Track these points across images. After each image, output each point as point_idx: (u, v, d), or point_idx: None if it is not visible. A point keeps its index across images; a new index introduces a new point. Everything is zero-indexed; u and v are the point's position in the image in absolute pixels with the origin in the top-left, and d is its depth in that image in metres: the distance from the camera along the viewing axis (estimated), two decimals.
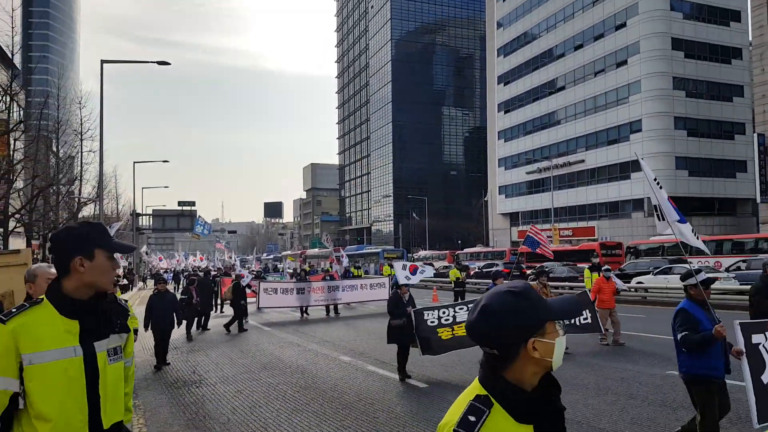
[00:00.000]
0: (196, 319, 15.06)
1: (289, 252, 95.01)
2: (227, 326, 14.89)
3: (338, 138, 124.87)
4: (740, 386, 6.72)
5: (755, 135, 38.56)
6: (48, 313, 1.91)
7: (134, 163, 42.61)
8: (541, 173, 58.11)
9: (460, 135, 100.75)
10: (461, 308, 8.72)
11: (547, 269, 13.11)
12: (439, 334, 8.34)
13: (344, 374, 9.13)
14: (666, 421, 6.07)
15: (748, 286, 17.78)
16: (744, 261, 23.45)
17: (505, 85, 65.94)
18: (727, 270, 23.54)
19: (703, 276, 4.60)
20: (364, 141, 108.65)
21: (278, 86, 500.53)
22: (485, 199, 71.48)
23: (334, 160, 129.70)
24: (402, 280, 10.29)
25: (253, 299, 17.48)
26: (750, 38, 44.46)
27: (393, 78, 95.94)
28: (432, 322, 8.44)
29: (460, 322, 8.46)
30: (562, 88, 57.04)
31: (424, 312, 8.55)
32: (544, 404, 1.39)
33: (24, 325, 1.87)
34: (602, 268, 12.26)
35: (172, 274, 43.12)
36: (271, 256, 73.32)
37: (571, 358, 9.80)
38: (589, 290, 12.43)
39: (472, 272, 32.30)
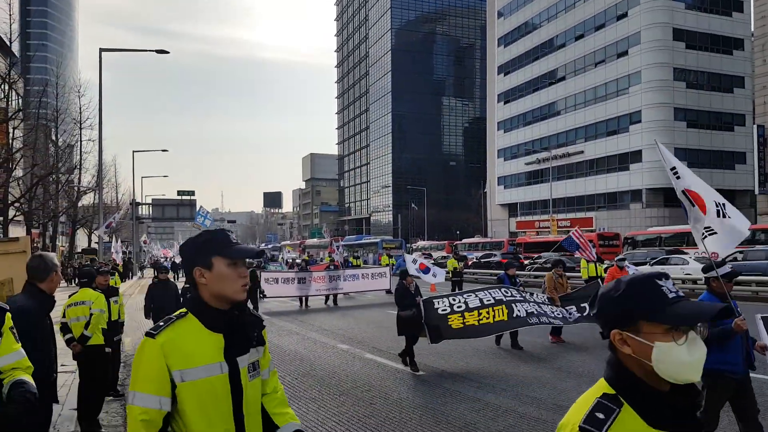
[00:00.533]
0: None
1: (288, 242, 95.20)
2: None
3: (337, 128, 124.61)
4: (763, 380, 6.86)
5: (755, 126, 38.56)
6: (194, 327, 1.81)
7: (133, 152, 42.53)
8: (540, 164, 58.09)
9: (460, 125, 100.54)
10: (470, 296, 8.67)
11: (554, 258, 13.18)
12: (449, 322, 8.23)
13: (342, 362, 9.22)
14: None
15: (746, 277, 17.94)
16: (741, 252, 23.54)
17: (505, 75, 65.71)
18: (724, 260, 23.62)
19: (726, 269, 4.44)
20: (364, 131, 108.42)
21: (278, 76, 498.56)
22: (484, 190, 71.51)
23: (334, 150, 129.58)
24: (411, 272, 10.03)
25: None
26: (752, 29, 44.26)
27: (393, 68, 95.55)
28: (443, 309, 8.33)
29: (472, 309, 8.36)
30: (563, 79, 56.87)
31: (434, 300, 8.46)
32: (681, 410, 1.27)
33: (173, 340, 1.76)
34: (616, 258, 12.16)
35: (170, 263, 43.27)
36: (269, 246, 73.39)
37: (568, 347, 9.91)
38: (591, 280, 12.46)
39: (470, 262, 32.39)
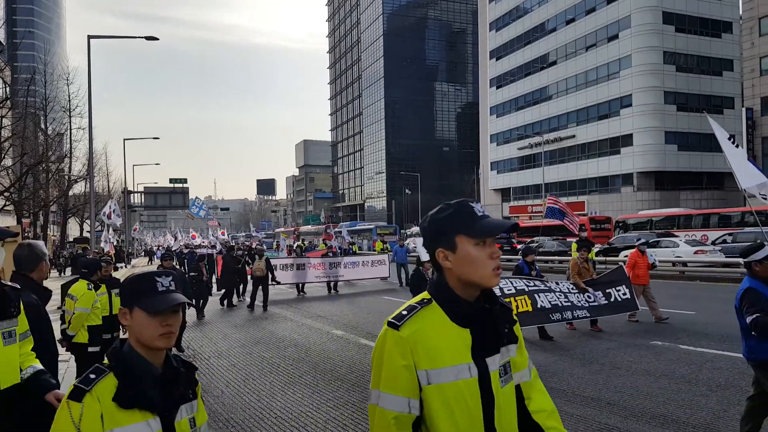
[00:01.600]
0: (209, 297, 14.85)
1: (282, 229, 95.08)
2: (226, 302, 15.30)
3: (330, 114, 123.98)
4: None
5: (743, 109, 38.86)
6: (439, 318, 1.54)
7: (124, 140, 42.19)
8: (533, 149, 58.18)
9: (453, 111, 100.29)
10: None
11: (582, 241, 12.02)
12: None
13: (337, 347, 9.34)
14: (648, 389, 6.33)
15: (734, 259, 18.16)
16: (730, 234, 23.83)
17: (497, 60, 65.48)
18: (713, 243, 23.94)
19: (765, 251, 4.10)
20: (357, 117, 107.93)
21: (271, 62, 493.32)
22: (477, 175, 71.63)
23: (327, 136, 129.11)
24: (424, 257, 10.19)
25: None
26: (740, 12, 44.31)
27: (385, 53, 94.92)
28: None
29: None
30: (554, 63, 56.76)
31: None
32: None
33: (419, 332, 1.50)
34: (637, 242, 11.73)
35: (163, 252, 43.14)
36: (262, 233, 73.19)
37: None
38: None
39: None
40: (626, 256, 22.66)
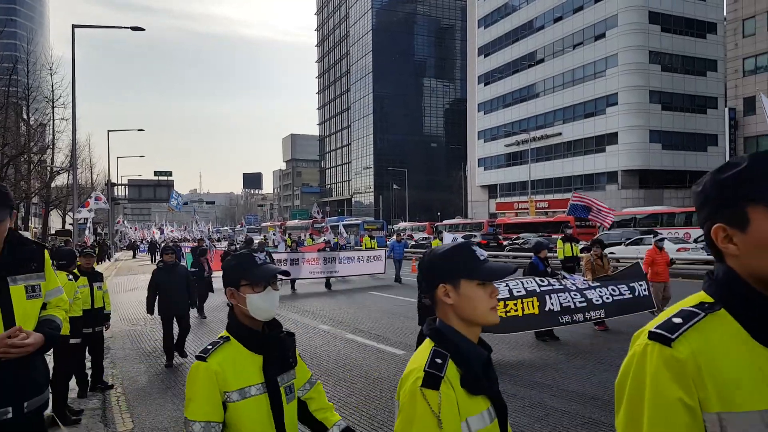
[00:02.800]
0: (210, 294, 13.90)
1: (269, 223, 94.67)
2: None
3: (318, 108, 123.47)
4: None
5: (727, 109, 39.40)
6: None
7: (108, 131, 41.79)
8: (520, 146, 58.49)
9: (441, 107, 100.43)
10: (499, 284, 7.50)
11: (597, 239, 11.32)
12: None
13: (323, 342, 9.35)
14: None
15: (708, 255, 18.44)
16: None
17: (485, 56, 65.63)
18: (695, 241, 24.32)
19: None
20: (345, 112, 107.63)
21: (259, 54, 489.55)
22: (465, 171, 71.83)
23: (315, 130, 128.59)
24: None
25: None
26: (725, 12, 44.88)
27: (374, 48, 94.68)
28: None
29: (498, 300, 7.48)
30: (542, 61, 57.05)
31: None
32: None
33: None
34: (655, 238, 11.29)
35: (148, 245, 42.76)
36: (244, 228, 72.61)
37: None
38: (568, 260, 12.36)
39: None
40: (611, 253, 22.99)
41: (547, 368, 7.25)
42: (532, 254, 9.23)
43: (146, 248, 44.73)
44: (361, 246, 25.15)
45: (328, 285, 17.55)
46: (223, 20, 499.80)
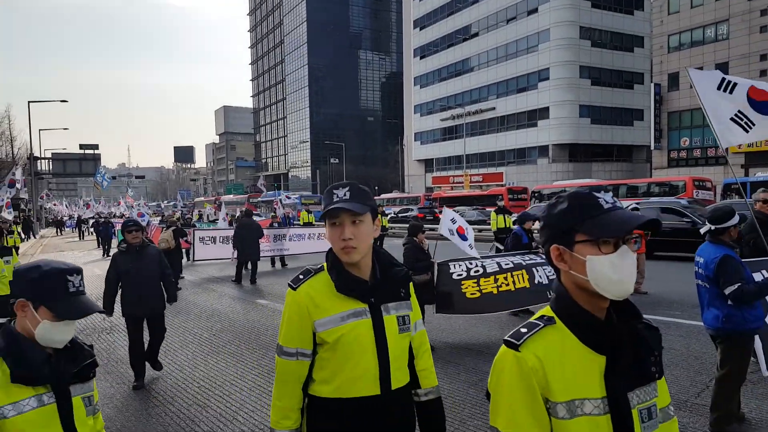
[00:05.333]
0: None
1: (203, 198, 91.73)
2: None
3: (252, 80, 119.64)
4: None
5: (652, 84, 41.38)
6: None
7: (29, 102, 38.98)
8: (455, 120, 59.23)
9: (377, 80, 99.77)
10: (487, 260, 7.42)
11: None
12: (463, 289, 6.96)
13: (261, 317, 9.18)
14: None
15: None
16: (638, 204, 25.56)
17: (421, 29, 65.49)
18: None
19: (737, 218, 3.96)
20: (279, 83, 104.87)
21: (189, 23, 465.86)
22: (401, 145, 72.16)
23: (249, 103, 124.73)
24: (445, 232, 8.06)
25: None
26: None
27: (308, 18, 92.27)
28: (459, 274, 7.05)
29: (489, 274, 7.08)
30: (476, 35, 57.60)
31: (450, 264, 7.16)
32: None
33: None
34: (629, 208, 10.67)
35: (75, 221, 40.46)
36: (173, 203, 69.97)
37: None
38: (501, 232, 12.59)
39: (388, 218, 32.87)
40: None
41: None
42: (523, 224, 8.68)
43: (74, 224, 42.33)
44: (298, 221, 24.79)
45: (282, 263, 16.58)
46: None
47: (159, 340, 6.15)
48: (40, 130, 69.62)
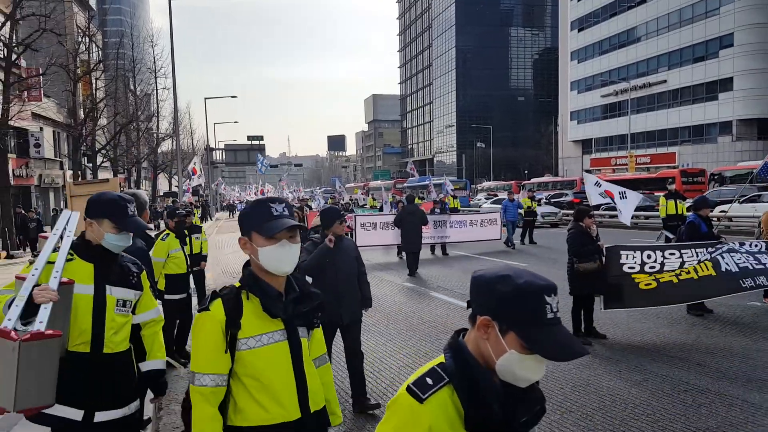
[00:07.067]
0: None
1: (352, 184, 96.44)
2: None
3: (399, 67, 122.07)
4: None
5: None
6: None
7: (205, 99, 44.17)
8: (618, 96, 54.93)
9: (529, 57, 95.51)
10: (672, 252, 6.47)
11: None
12: (635, 281, 6.23)
13: (407, 299, 9.46)
14: (743, 351, 5.93)
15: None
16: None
17: (579, 0, 61.33)
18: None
19: None
20: (426, 69, 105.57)
21: (340, 16, 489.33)
22: (555, 125, 68.62)
23: (396, 90, 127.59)
24: (596, 199, 7.40)
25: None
26: None
27: None
28: (631, 266, 6.28)
29: (667, 271, 6.31)
30: (644, 1, 52.41)
31: (621, 252, 6.35)
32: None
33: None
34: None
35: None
36: (321, 190, 74.19)
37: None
38: (671, 218, 11.18)
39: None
40: (722, 211, 21.00)
41: (648, 332, 6.83)
42: (699, 211, 7.68)
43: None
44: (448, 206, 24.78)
45: (443, 252, 15.64)
46: None
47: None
48: (214, 123, 78.44)
